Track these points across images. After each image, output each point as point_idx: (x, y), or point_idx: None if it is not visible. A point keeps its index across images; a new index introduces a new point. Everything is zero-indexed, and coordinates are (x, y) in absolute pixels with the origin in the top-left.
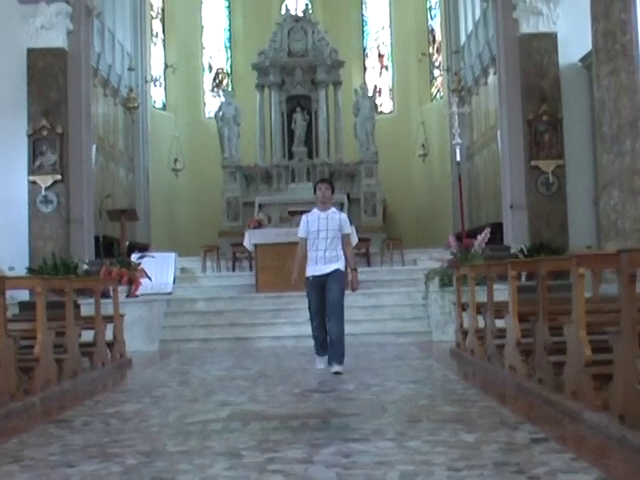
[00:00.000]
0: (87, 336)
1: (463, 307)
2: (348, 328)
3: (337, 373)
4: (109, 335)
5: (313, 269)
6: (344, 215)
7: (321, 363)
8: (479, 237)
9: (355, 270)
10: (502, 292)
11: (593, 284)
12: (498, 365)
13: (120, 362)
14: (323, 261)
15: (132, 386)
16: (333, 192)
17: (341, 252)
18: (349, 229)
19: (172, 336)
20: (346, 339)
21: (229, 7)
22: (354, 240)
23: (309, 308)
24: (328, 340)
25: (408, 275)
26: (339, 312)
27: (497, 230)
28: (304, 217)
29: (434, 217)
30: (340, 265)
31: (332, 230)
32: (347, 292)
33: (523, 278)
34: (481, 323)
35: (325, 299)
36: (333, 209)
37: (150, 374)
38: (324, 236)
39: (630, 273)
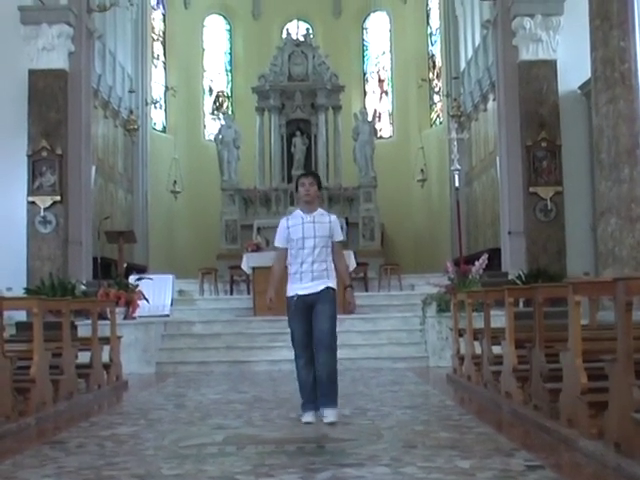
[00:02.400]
0: (83, 357)
1: (460, 333)
2: (344, 352)
3: (331, 424)
4: (105, 357)
5: (298, 287)
6: (335, 217)
7: (310, 416)
8: (477, 263)
9: (350, 287)
10: (499, 318)
11: (590, 311)
12: (494, 391)
13: (116, 384)
14: (310, 277)
15: (128, 408)
16: (320, 188)
17: (332, 265)
18: (341, 235)
19: (169, 358)
20: (342, 363)
21: (230, 30)
22: (351, 264)
23: (292, 340)
24: (317, 381)
25: (405, 300)
26: (331, 343)
27: (495, 256)
28: (283, 221)
29: (432, 242)
30: (331, 282)
31: (320, 237)
32: (340, 317)
33: (520, 304)
34: (478, 349)
35: (313, 327)
36: (320, 210)
37: (146, 396)
38: (310, 245)
39: (626, 301)
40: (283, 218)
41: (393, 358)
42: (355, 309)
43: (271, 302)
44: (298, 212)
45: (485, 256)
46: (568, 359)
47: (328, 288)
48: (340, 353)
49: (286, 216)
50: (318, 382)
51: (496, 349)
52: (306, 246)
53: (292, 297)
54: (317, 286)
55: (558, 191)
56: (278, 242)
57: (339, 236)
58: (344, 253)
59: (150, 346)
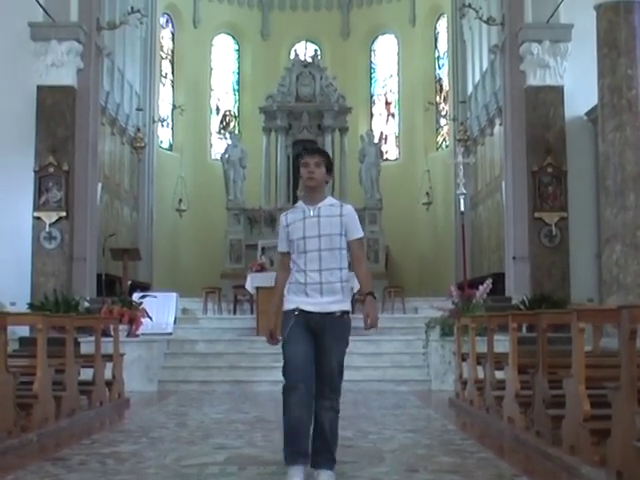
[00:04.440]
0: (86, 374)
1: (463, 357)
2: (347, 374)
3: None
4: (108, 374)
5: (301, 300)
6: (349, 209)
7: (298, 473)
8: (481, 288)
9: (372, 295)
10: (502, 343)
11: (594, 337)
12: (497, 417)
13: (118, 402)
14: (318, 290)
15: (129, 426)
16: (330, 171)
17: (346, 274)
18: (360, 231)
19: (171, 377)
20: (344, 385)
21: (238, 50)
22: (355, 286)
23: (286, 366)
24: (313, 429)
25: (409, 323)
26: (339, 385)
27: (499, 280)
28: (282, 218)
29: (436, 266)
30: (346, 303)
31: (327, 237)
32: (355, 337)
33: (524, 329)
34: (481, 374)
35: (317, 360)
36: (330, 200)
37: (148, 415)
38: (315, 247)
39: (630, 329)
40: (283, 215)
41: (396, 381)
42: (377, 324)
43: (273, 338)
44: (300, 204)
45: (489, 281)
46: (571, 386)
47: (343, 314)
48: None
49: (286, 212)
50: (316, 433)
51: (499, 374)
52: (309, 249)
53: (292, 311)
54: (328, 305)
55: (563, 217)
56: (281, 246)
57: (356, 232)
58: (363, 255)
59: (153, 364)
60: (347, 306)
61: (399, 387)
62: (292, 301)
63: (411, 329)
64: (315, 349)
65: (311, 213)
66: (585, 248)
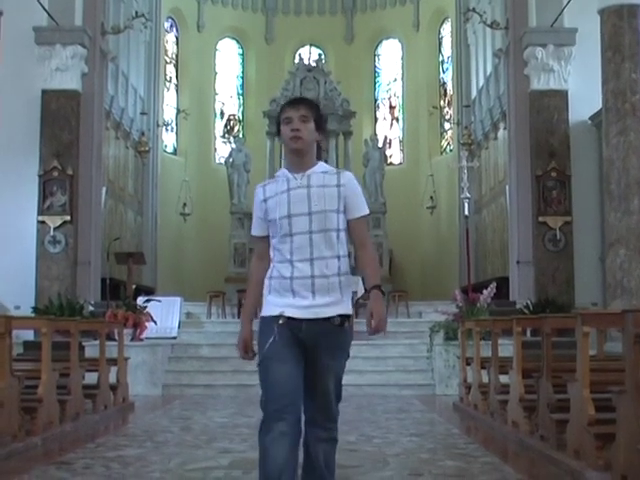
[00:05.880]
0: (90, 378)
1: (467, 361)
2: (351, 378)
3: None
4: (112, 378)
5: (285, 302)
6: (349, 176)
7: None
8: (485, 292)
9: (379, 290)
10: (507, 347)
11: (598, 341)
12: (501, 421)
13: (122, 406)
14: (308, 287)
15: (134, 430)
16: (322, 129)
17: (347, 265)
18: (364, 207)
19: (175, 381)
20: (348, 390)
21: (243, 55)
22: (360, 290)
23: (265, 394)
24: (303, 464)
25: (413, 327)
26: (336, 412)
27: (503, 284)
28: (259, 190)
29: (440, 270)
30: (346, 305)
31: (323, 214)
32: (359, 341)
33: (528, 333)
34: (485, 378)
35: (309, 383)
36: (322, 166)
37: (152, 419)
38: (304, 229)
39: (635, 333)
40: (259, 185)
41: (400, 385)
42: (384, 327)
43: (247, 351)
44: (283, 171)
45: (493, 285)
46: (575, 390)
47: (342, 320)
48: (346, 379)
49: (264, 182)
50: (309, 468)
51: (503, 378)
52: (295, 231)
53: (273, 318)
54: (323, 309)
55: (567, 221)
56: (253, 229)
57: (360, 208)
58: (369, 238)
59: (157, 368)
60: (348, 308)
61: (403, 391)
62: (274, 304)
63: (415, 333)
64: (305, 366)
65: (298, 182)
66: (589, 252)
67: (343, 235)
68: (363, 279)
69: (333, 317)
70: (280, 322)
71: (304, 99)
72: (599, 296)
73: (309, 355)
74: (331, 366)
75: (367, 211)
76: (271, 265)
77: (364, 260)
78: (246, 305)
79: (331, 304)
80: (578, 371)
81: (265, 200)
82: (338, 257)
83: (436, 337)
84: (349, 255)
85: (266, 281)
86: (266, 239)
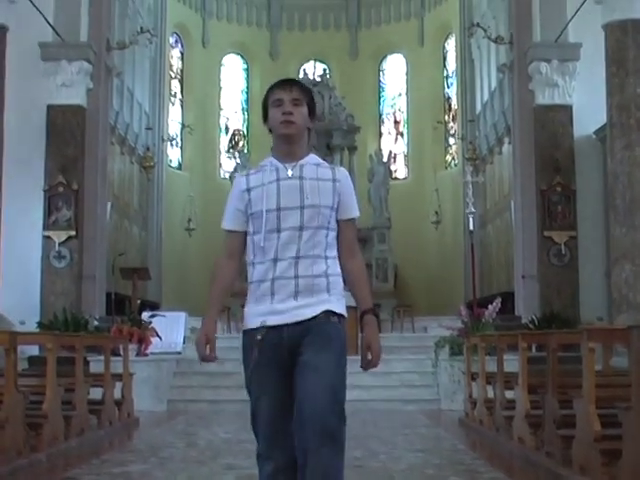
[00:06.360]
0: (95, 394)
1: (473, 377)
2: (355, 394)
3: None
4: (117, 393)
5: (266, 309)
6: (344, 172)
7: None
8: (490, 307)
9: (373, 314)
10: (512, 362)
11: (603, 356)
12: (506, 436)
13: (128, 421)
14: (291, 289)
15: (139, 446)
16: (313, 115)
17: (336, 265)
18: (356, 208)
19: (180, 396)
20: (353, 405)
21: (247, 70)
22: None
23: (253, 421)
24: None
25: (418, 342)
26: (334, 429)
27: (508, 299)
28: (241, 179)
29: (445, 284)
30: (335, 301)
31: (317, 209)
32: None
33: (533, 348)
34: (490, 393)
35: (296, 397)
36: (314, 158)
37: (157, 434)
38: (294, 224)
39: None
40: (240, 175)
41: (405, 400)
42: (379, 360)
43: (207, 353)
44: (270, 160)
45: (498, 300)
46: (581, 406)
47: (328, 314)
48: (351, 394)
49: (245, 172)
50: None
51: (509, 394)
52: (284, 227)
53: (254, 331)
54: (306, 308)
55: (572, 236)
56: (226, 221)
57: (352, 209)
58: (357, 244)
59: (162, 383)
60: (337, 307)
61: (408, 406)
62: (253, 313)
63: (420, 348)
64: (291, 379)
65: (289, 173)
66: (594, 267)
67: (333, 236)
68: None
69: (317, 315)
70: (259, 338)
71: (296, 81)
72: (604, 311)
73: (296, 359)
74: (314, 364)
75: (358, 213)
76: (251, 268)
77: (353, 273)
78: (208, 305)
79: (315, 303)
80: (584, 387)
81: (248, 190)
82: (325, 257)
83: (441, 352)
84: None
85: (249, 289)
86: (241, 235)
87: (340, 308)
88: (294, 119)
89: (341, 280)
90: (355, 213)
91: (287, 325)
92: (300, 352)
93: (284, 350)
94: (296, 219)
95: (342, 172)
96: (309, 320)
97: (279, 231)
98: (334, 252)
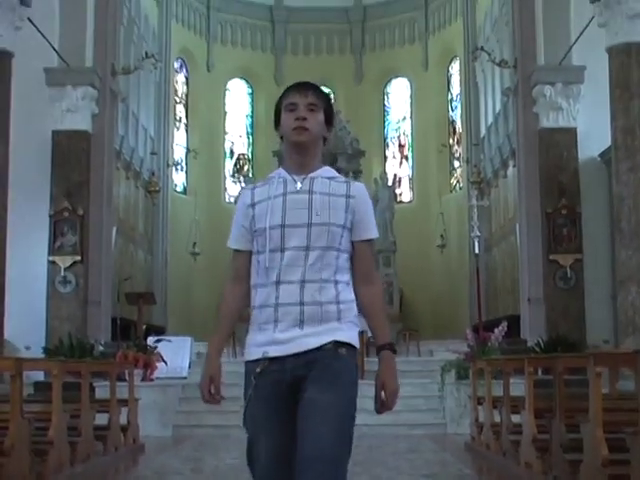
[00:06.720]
0: (101, 419)
1: (479, 401)
2: (360, 418)
3: None
4: (123, 419)
5: (266, 339)
6: (361, 187)
7: None
8: (496, 331)
9: (390, 349)
10: (518, 386)
11: (610, 379)
12: (513, 461)
13: (133, 447)
14: (295, 316)
15: (145, 472)
16: (330, 122)
17: (348, 293)
18: (374, 228)
19: (186, 421)
20: (358, 429)
21: (252, 94)
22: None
23: (250, 465)
24: None
25: (424, 366)
26: (336, 477)
27: (514, 322)
28: (246, 193)
29: (451, 308)
30: (346, 330)
31: (326, 227)
32: (368, 381)
33: (540, 371)
34: (497, 418)
35: (299, 442)
36: (328, 170)
37: (163, 460)
38: (300, 243)
39: None
40: (246, 188)
41: (410, 425)
42: (395, 401)
43: (212, 394)
44: (279, 172)
45: (504, 324)
46: (589, 430)
47: (337, 345)
48: (356, 419)
49: (251, 185)
50: None
51: (515, 418)
52: (288, 245)
53: (254, 363)
54: (311, 338)
55: (578, 259)
56: (232, 240)
57: (369, 228)
58: (375, 269)
59: (167, 409)
60: (349, 337)
61: (414, 431)
62: (255, 343)
63: (426, 372)
64: (293, 420)
65: (298, 186)
66: (600, 290)
67: (345, 258)
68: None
69: (325, 344)
70: (258, 370)
71: (313, 84)
72: (611, 333)
73: (300, 396)
74: (320, 403)
75: (376, 234)
76: (254, 291)
77: (369, 303)
78: (214, 337)
79: (323, 332)
80: (591, 412)
81: (253, 205)
82: (335, 282)
83: (447, 376)
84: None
85: (251, 315)
86: (248, 255)
87: (351, 337)
88: (308, 125)
89: (355, 307)
90: (372, 234)
91: (293, 356)
92: (304, 388)
93: (285, 386)
94: (302, 238)
95: (358, 187)
96: (315, 350)
97: (282, 251)
98: (346, 276)
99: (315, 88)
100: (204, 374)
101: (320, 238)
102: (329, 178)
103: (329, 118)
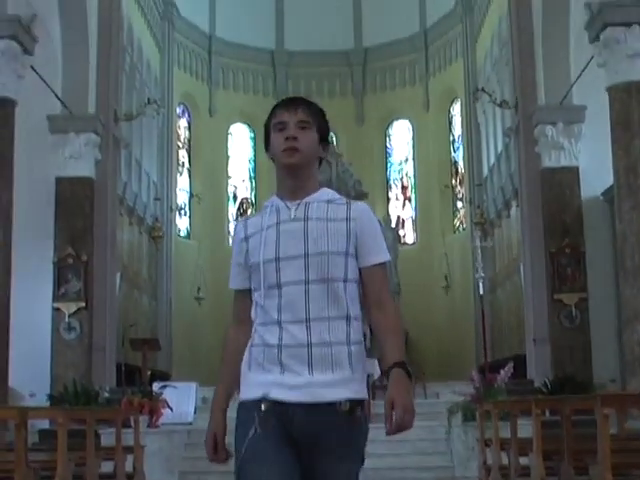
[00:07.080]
0: (106, 467)
1: (486, 443)
2: (367, 462)
3: None
4: (129, 466)
5: (267, 379)
6: (364, 207)
7: None
8: (502, 372)
9: (403, 368)
10: (526, 427)
11: (618, 419)
12: None
13: None
14: (304, 359)
15: None
16: (327, 141)
17: (359, 332)
18: (384, 251)
19: (192, 468)
20: (365, 473)
21: (254, 138)
22: (376, 372)
23: None
24: None
25: (430, 409)
26: None
27: (520, 362)
28: (239, 225)
29: (456, 349)
30: (358, 386)
31: (325, 257)
32: (375, 424)
33: (547, 412)
34: (505, 460)
35: None
36: (326, 192)
37: None
38: (297, 277)
39: None
40: (240, 220)
41: (417, 468)
42: (412, 421)
43: (218, 451)
44: (272, 200)
45: (510, 365)
46: (597, 473)
47: (353, 405)
48: None
49: (244, 218)
50: None
51: (523, 460)
52: (285, 280)
53: (253, 404)
54: (324, 389)
55: (583, 297)
56: (231, 280)
57: (378, 253)
58: (388, 294)
59: (173, 455)
60: (361, 391)
61: (421, 474)
62: (255, 382)
63: (432, 414)
64: (291, 466)
65: (292, 214)
66: (606, 328)
67: (354, 289)
68: (379, 360)
69: (339, 401)
70: (262, 409)
71: (303, 99)
72: (617, 372)
73: (304, 459)
74: (334, 475)
75: (388, 257)
76: (254, 331)
77: (382, 326)
78: (218, 389)
79: (336, 383)
80: (599, 454)
81: (246, 238)
82: (347, 318)
83: (454, 419)
84: (364, 337)
85: (245, 352)
86: (249, 294)
87: (363, 392)
88: (299, 145)
89: (364, 349)
90: (381, 257)
91: (302, 405)
92: (316, 458)
93: (292, 434)
94: (299, 271)
95: (360, 208)
96: (326, 405)
97: (279, 287)
98: (357, 309)
99: (306, 103)
100: (208, 431)
101: (320, 269)
102: (327, 201)
103: (324, 135)
